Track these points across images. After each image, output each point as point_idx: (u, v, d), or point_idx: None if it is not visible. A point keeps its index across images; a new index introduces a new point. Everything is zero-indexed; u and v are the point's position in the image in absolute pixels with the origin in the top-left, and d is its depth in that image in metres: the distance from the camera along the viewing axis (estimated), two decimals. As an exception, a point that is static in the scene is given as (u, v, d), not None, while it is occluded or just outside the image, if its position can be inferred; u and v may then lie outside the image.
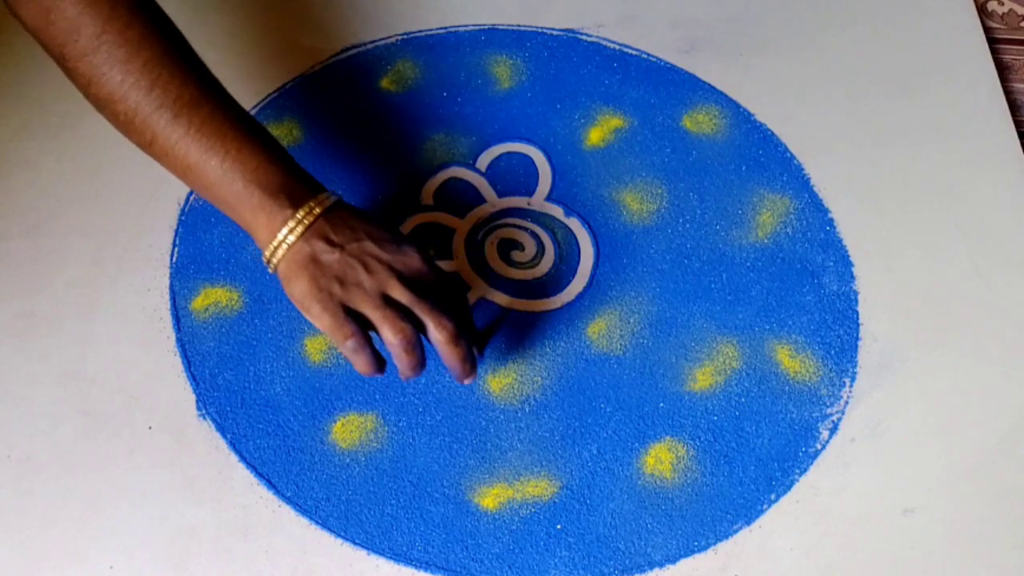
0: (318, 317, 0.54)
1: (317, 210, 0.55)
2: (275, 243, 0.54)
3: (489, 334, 0.64)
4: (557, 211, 0.69)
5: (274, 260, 0.55)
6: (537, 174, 0.71)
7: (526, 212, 0.69)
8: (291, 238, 0.54)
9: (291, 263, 0.54)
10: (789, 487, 0.60)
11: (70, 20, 0.53)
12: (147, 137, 0.55)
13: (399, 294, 0.54)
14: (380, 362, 0.55)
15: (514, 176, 0.71)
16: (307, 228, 0.54)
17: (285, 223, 0.54)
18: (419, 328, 0.55)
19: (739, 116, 0.74)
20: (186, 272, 0.66)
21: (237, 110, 0.56)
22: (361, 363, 0.54)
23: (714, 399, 0.62)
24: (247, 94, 0.74)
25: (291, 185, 0.55)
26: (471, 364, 0.57)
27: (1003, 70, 0.78)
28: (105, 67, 0.53)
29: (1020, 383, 0.63)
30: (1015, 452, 0.61)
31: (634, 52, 0.77)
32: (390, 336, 0.54)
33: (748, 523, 0.59)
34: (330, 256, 0.54)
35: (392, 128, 0.72)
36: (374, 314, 0.54)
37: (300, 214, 0.54)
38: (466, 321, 0.60)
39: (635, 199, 0.70)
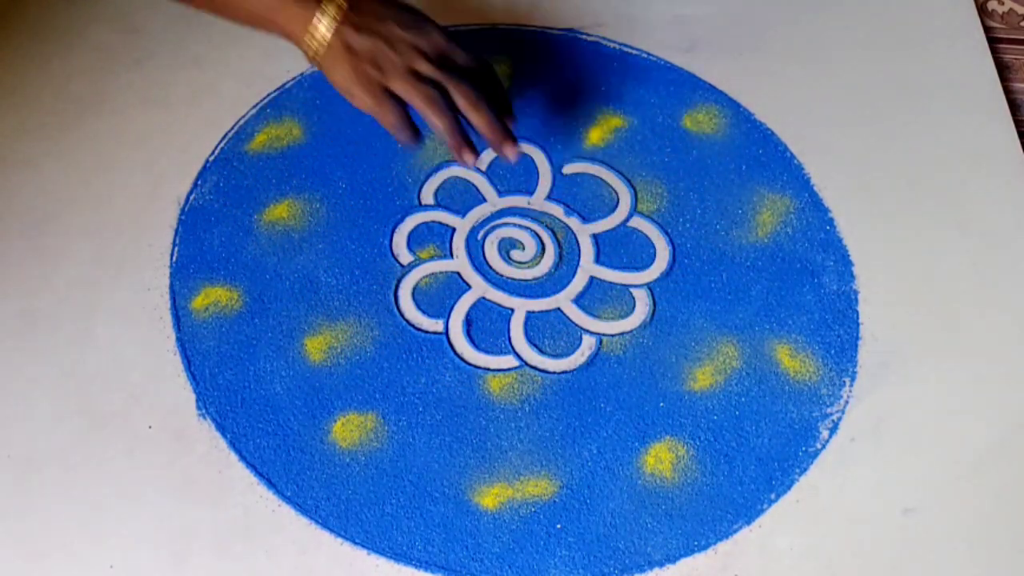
0: (360, 99, 0.60)
1: (341, 2, 0.59)
2: (308, 38, 0.59)
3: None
4: (557, 210, 0.69)
5: (310, 53, 0.60)
6: (537, 173, 0.71)
7: (526, 211, 0.69)
8: (322, 29, 0.59)
9: (329, 54, 0.60)
10: (789, 487, 0.60)
11: None
12: None
13: (425, 68, 0.59)
14: (418, 132, 0.61)
15: (514, 175, 0.71)
16: (337, 19, 0.59)
17: (314, 15, 0.59)
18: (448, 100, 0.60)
19: (739, 116, 0.74)
20: (186, 271, 0.66)
21: None
22: (403, 136, 0.60)
23: (714, 399, 0.62)
24: (247, 93, 0.74)
25: None
26: (502, 130, 0.61)
27: (1003, 70, 0.78)
28: None
29: (1020, 383, 0.63)
30: (1015, 452, 0.61)
31: (634, 52, 0.77)
32: (420, 103, 0.59)
33: (748, 523, 0.59)
34: (360, 42, 0.59)
35: (392, 128, 0.73)
36: (403, 86, 0.59)
37: (325, 6, 0.59)
38: (498, 95, 0.64)
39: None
